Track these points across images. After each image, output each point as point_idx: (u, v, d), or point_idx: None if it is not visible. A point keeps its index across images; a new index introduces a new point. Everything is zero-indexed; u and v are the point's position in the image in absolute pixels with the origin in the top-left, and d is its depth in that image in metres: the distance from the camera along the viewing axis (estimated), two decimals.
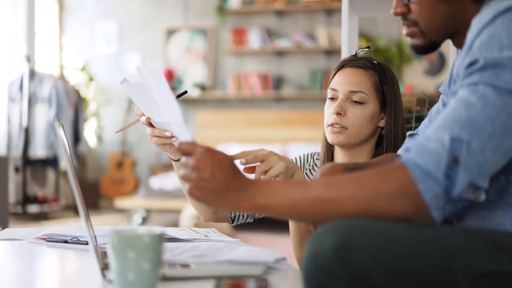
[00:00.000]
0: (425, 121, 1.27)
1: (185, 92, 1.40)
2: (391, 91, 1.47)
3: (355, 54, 1.53)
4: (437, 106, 1.23)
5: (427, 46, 1.06)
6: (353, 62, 1.49)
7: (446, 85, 1.18)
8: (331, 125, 1.45)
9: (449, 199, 0.85)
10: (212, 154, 0.92)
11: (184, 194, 1.44)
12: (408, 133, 1.29)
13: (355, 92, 1.45)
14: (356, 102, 1.44)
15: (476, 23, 0.95)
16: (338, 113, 1.44)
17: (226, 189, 0.91)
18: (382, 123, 1.48)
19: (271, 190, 0.92)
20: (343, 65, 1.50)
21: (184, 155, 0.94)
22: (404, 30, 1.07)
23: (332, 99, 1.48)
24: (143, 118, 1.31)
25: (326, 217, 0.88)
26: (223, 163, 0.92)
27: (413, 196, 0.85)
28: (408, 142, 1.24)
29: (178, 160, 1.39)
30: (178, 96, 1.34)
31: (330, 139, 1.46)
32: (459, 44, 1.07)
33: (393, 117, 1.46)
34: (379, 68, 1.48)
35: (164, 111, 1.04)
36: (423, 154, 0.86)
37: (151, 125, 1.31)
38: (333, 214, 0.88)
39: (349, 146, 1.46)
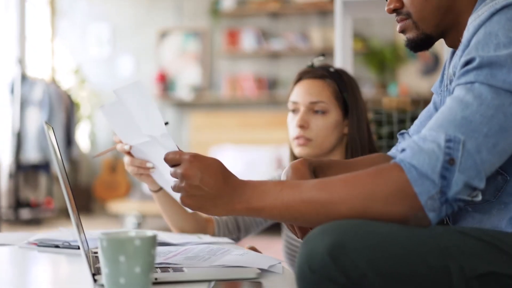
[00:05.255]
0: (416, 122, 1.26)
1: (166, 123, 1.36)
2: (352, 97, 1.48)
3: (312, 64, 1.54)
4: (428, 106, 1.23)
5: (420, 40, 1.05)
6: (311, 73, 1.50)
7: (437, 85, 1.18)
8: (296, 138, 1.46)
9: (445, 200, 0.84)
10: (199, 160, 0.91)
11: (165, 220, 1.43)
12: (399, 132, 1.28)
13: (315, 102, 1.46)
14: (318, 112, 1.45)
15: (472, 21, 0.94)
16: (301, 126, 1.44)
17: (218, 193, 0.91)
18: (347, 130, 1.48)
19: (264, 191, 0.91)
20: (301, 77, 1.51)
21: (172, 166, 0.93)
22: (397, 27, 1.07)
23: (294, 111, 1.49)
24: (125, 147, 1.29)
25: (321, 218, 0.87)
26: (211, 168, 0.91)
27: (408, 197, 0.84)
28: (402, 142, 1.23)
29: (157, 191, 1.37)
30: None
31: (296, 152, 1.47)
32: (452, 43, 1.06)
33: (356, 123, 1.47)
34: (336, 76, 1.49)
35: (147, 125, 1.02)
36: (419, 154, 0.85)
37: (129, 154, 1.31)
38: (328, 215, 0.87)
39: (316, 157, 1.46)
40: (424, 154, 0.85)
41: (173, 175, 0.93)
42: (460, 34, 1.01)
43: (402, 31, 1.06)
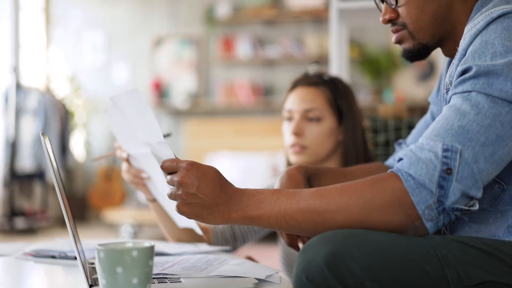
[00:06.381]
0: (413, 131, 1.26)
1: (169, 134, 1.33)
2: (346, 104, 1.49)
3: (306, 72, 1.55)
4: (426, 116, 1.23)
5: (417, 50, 1.05)
6: (304, 80, 1.51)
7: (434, 94, 1.18)
8: (292, 146, 1.46)
9: (442, 210, 0.84)
10: (196, 168, 0.91)
11: (162, 229, 1.43)
12: (397, 142, 1.29)
13: (310, 110, 1.46)
14: (312, 119, 1.46)
15: (469, 30, 0.95)
16: (296, 133, 1.45)
17: (215, 202, 0.91)
18: (342, 137, 1.49)
19: (261, 200, 0.90)
20: (295, 85, 1.52)
21: (168, 173, 0.93)
22: (393, 38, 1.06)
23: (289, 119, 1.49)
24: (123, 154, 1.32)
25: (318, 227, 0.87)
26: (208, 176, 0.91)
27: (406, 206, 0.84)
28: (399, 151, 1.24)
29: (154, 201, 1.38)
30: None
31: (292, 160, 1.48)
32: (448, 52, 1.07)
33: (351, 130, 1.48)
34: (330, 83, 1.50)
35: (144, 132, 1.02)
36: (416, 164, 0.85)
37: (128, 161, 1.33)
38: (325, 224, 0.87)
39: (312, 164, 1.47)
40: (421, 163, 0.85)
41: (170, 182, 0.93)
42: (457, 43, 1.02)
43: (398, 42, 1.06)
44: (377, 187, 0.86)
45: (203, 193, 0.90)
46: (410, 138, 1.25)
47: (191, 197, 0.90)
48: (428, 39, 1.04)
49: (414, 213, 0.84)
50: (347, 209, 0.86)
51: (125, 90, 0.99)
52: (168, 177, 0.93)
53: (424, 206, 0.84)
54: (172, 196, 0.92)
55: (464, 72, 0.90)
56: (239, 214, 0.91)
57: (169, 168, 0.93)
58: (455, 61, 0.95)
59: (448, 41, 1.05)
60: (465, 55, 0.92)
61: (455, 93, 0.90)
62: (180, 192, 0.90)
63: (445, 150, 0.85)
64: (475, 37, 0.91)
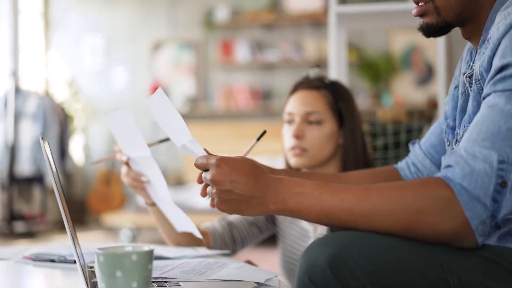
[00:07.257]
0: (427, 135, 1.21)
1: (169, 138, 1.32)
2: (347, 108, 1.49)
3: (307, 75, 1.55)
4: (439, 121, 1.18)
5: (439, 27, 0.99)
6: (306, 84, 1.51)
7: (457, 74, 1.12)
8: (292, 148, 1.46)
9: (495, 224, 0.83)
10: (226, 163, 0.89)
11: (161, 233, 1.42)
12: (411, 142, 1.25)
13: (311, 113, 1.47)
14: (313, 122, 1.46)
15: (502, 19, 0.89)
16: (296, 136, 1.45)
17: (251, 195, 0.89)
18: (341, 141, 1.49)
19: (301, 194, 0.88)
20: (296, 88, 1.52)
21: (204, 170, 0.92)
22: (415, 10, 1.01)
23: (290, 122, 1.50)
24: (123, 158, 1.31)
25: (361, 229, 0.86)
26: (240, 170, 0.89)
27: (458, 219, 0.82)
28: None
29: (153, 205, 1.37)
30: (161, 142, 1.34)
31: (292, 162, 1.48)
32: (468, 35, 1.02)
33: (351, 134, 1.48)
34: (332, 87, 1.50)
35: (174, 134, 1.00)
36: (470, 175, 0.82)
37: (127, 164, 1.33)
38: (368, 226, 0.85)
39: (312, 168, 1.47)
40: (476, 175, 0.82)
41: (204, 180, 0.92)
42: (478, 28, 0.98)
43: (421, 14, 1.00)
44: (425, 194, 0.83)
45: (238, 188, 0.88)
46: (424, 140, 1.21)
47: (226, 193, 0.88)
48: (453, 18, 0.99)
49: (467, 228, 0.82)
50: (392, 214, 0.84)
51: (152, 96, 0.95)
52: (203, 174, 0.92)
53: (478, 221, 0.81)
54: (209, 195, 0.91)
55: (503, 68, 0.86)
56: (278, 206, 0.89)
57: (201, 166, 0.91)
58: (486, 50, 0.91)
59: (470, 23, 1.00)
60: (498, 45, 0.88)
61: (496, 91, 0.86)
62: (214, 190, 0.89)
63: (500, 162, 0.82)
64: (511, 28, 0.87)
